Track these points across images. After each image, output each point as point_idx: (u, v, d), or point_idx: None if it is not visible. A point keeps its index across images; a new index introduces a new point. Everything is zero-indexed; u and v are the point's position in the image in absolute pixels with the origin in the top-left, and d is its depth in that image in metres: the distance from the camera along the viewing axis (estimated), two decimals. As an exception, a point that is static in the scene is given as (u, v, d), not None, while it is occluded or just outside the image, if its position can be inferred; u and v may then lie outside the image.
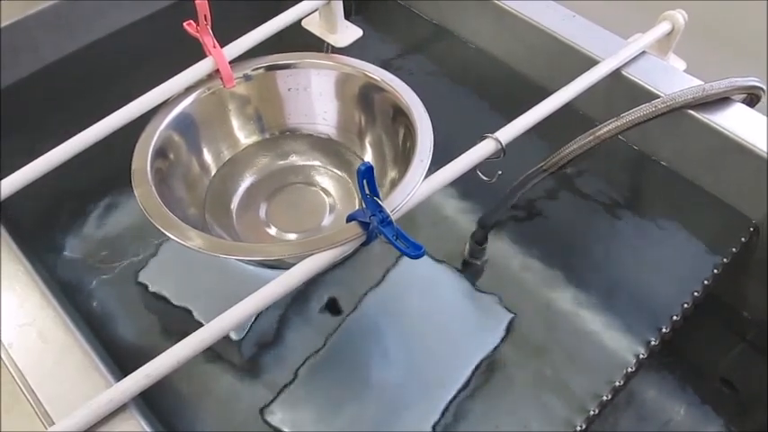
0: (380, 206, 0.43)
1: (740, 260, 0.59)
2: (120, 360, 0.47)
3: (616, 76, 0.61)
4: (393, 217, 0.43)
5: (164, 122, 0.52)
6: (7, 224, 0.50)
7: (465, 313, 0.53)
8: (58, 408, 0.40)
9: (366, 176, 0.41)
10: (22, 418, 0.41)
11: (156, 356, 0.41)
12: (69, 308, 0.47)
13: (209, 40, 0.53)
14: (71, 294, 0.53)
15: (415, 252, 0.41)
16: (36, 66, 0.69)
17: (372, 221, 0.43)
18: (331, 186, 0.57)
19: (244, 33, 0.57)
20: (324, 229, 0.54)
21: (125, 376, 0.40)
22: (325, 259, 0.44)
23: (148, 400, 0.43)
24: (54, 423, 0.39)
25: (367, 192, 0.42)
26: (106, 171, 0.62)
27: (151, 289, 0.54)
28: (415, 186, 0.46)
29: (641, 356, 0.51)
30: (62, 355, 0.43)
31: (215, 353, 0.52)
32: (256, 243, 0.53)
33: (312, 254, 0.44)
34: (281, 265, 0.46)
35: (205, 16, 0.52)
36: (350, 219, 0.45)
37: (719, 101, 0.59)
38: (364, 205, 0.43)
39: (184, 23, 0.53)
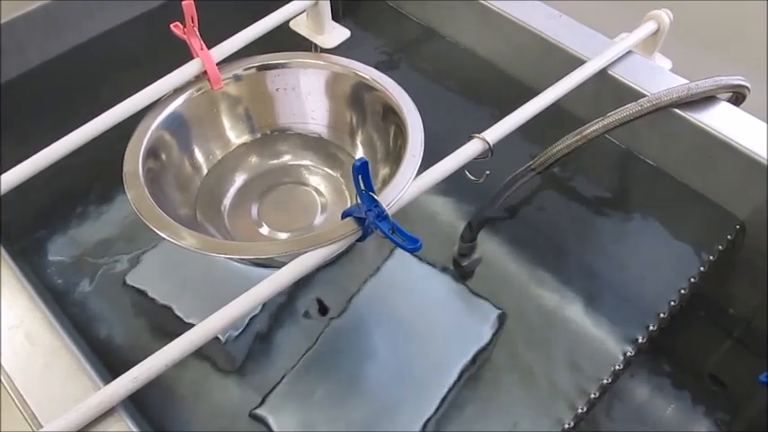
0: (376, 201, 0.43)
1: (727, 258, 0.59)
2: (109, 362, 0.47)
3: (602, 75, 0.61)
4: (388, 211, 0.43)
5: (155, 123, 0.52)
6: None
7: (454, 312, 0.53)
8: (46, 411, 0.40)
9: (361, 172, 0.41)
10: (9, 424, 0.40)
11: (145, 358, 0.40)
12: (57, 310, 0.46)
13: (196, 42, 0.53)
14: (59, 296, 0.53)
15: (412, 245, 0.41)
16: (24, 68, 0.69)
17: (368, 217, 0.43)
18: (323, 185, 0.57)
19: (231, 35, 0.57)
20: (316, 228, 0.54)
21: (113, 378, 0.40)
22: (319, 256, 0.44)
23: (137, 401, 0.43)
24: (42, 426, 0.39)
25: (362, 187, 0.42)
26: (93, 173, 0.62)
27: (141, 290, 0.54)
28: (409, 181, 0.46)
29: (629, 354, 0.52)
30: (50, 358, 0.42)
31: (205, 354, 0.52)
32: (251, 241, 0.53)
33: (308, 251, 0.44)
34: (273, 264, 0.46)
35: (192, 18, 0.51)
36: (345, 215, 0.45)
37: (705, 99, 0.59)
38: (359, 201, 0.43)
39: (171, 25, 0.52)
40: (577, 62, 0.61)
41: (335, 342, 0.51)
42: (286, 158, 0.59)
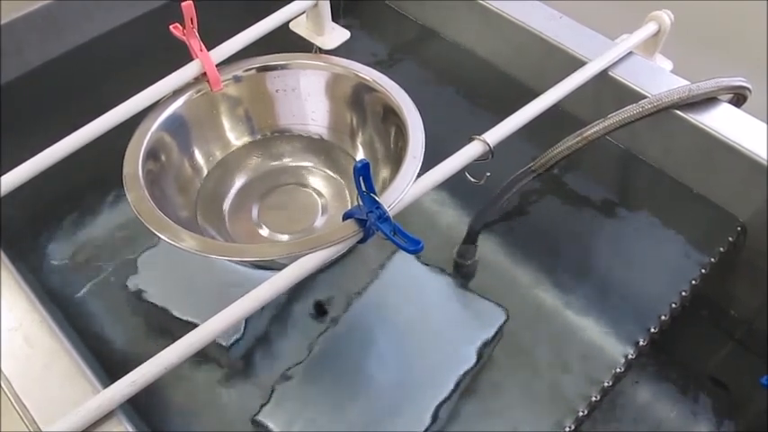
0: (378, 202, 0.42)
1: (728, 260, 0.59)
2: (108, 365, 0.47)
3: (603, 76, 0.61)
4: (389, 213, 0.43)
5: (155, 124, 0.52)
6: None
7: (455, 315, 0.53)
8: (44, 413, 0.40)
9: (362, 173, 0.41)
10: (8, 427, 0.40)
11: (144, 361, 0.40)
12: (56, 312, 0.46)
13: (195, 44, 0.53)
14: (58, 299, 0.53)
15: (414, 247, 0.41)
16: (23, 69, 0.69)
17: (370, 218, 0.43)
18: (323, 187, 0.57)
19: (231, 36, 0.57)
20: (316, 229, 0.54)
21: (113, 381, 0.40)
22: (320, 258, 0.43)
23: (137, 404, 0.43)
24: (40, 429, 0.39)
25: (363, 189, 0.42)
26: (93, 174, 0.62)
27: (141, 292, 0.53)
28: (410, 182, 0.46)
29: (630, 357, 0.51)
30: (49, 360, 0.42)
31: (205, 356, 0.51)
32: (251, 244, 0.53)
33: (309, 253, 0.43)
34: (273, 266, 0.46)
35: (191, 19, 0.51)
36: (346, 216, 0.44)
37: (706, 101, 0.59)
38: (360, 202, 0.43)
39: (171, 26, 0.52)
40: (578, 63, 0.61)
41: (336, 344, 0.51)
42: (286, 160, 0.59)
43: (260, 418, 0.47)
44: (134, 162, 0.49)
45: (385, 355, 0.51)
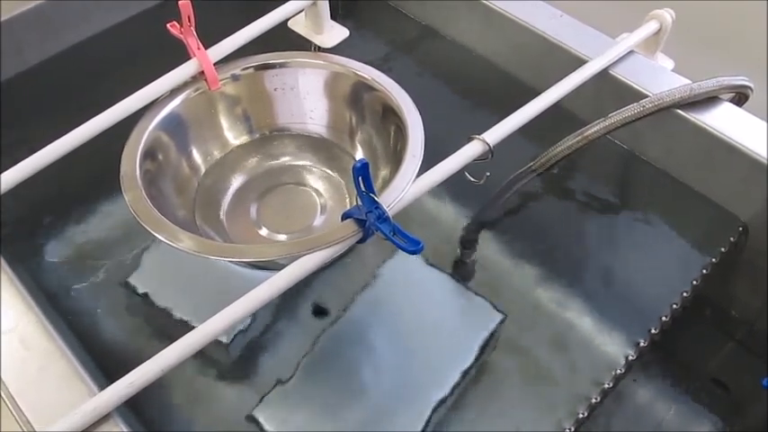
0: (377, 202, 0.42)
1: (729, 260, 0.59)
2: (106, 366, 0.47)
3: (604, 75, 0.61)
4: (389, 213, 0.43)
5: (152, 124, 0.52)
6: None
7: (455, 314, 0.53)
8: (40, 416, 0.40)
9: (362, 173, 0.41)
10: (4, 429, 0.40)
11: (141, 362, 0.40)
12: (52, 313, 0.46)
13: (193, 42, 0.53)
14: (55, 299, 0.53)
15: (414, 247, 0.41)
16: (21, 67, 0.69)
17: (369, 218, 0.43)
18: (322, 186, 0.57)
19: (229, 34, 0.57)
20: (315, 229, 0.54)
21: (110, 383, 0.40)
22: (319, 259, 0.43)
23: (134, 404, 0.43)
24: (36, 432, 0.39)
25: (363, 188, 0.42)
26: (89, 173, 0.61)
27: (138, 292, 0.53)
28: (410, 182, 0.46)
29: (630, 358, 0.51)
30: (45, 362, 0.42)
31: (203, 355, 0.51)
32: (250, 244, 0.52)
33: (308, 253, 0.43)
34: (272, 267, 0.46)
35: (189, 17, 0.51)
36: (345, 216, 0.44)
37: (707, 100, 0.59)
38: (360, 202, 0.43)
39: (168, 25, 0.52)
40: (579, 62, 0.61)
41: (335, 344, 0.51)
42: (285, 159, 0.59)
43: (256, 415, 0.47)
44: (131, 162, 0.49)
45: (383, 355, 0.50)
